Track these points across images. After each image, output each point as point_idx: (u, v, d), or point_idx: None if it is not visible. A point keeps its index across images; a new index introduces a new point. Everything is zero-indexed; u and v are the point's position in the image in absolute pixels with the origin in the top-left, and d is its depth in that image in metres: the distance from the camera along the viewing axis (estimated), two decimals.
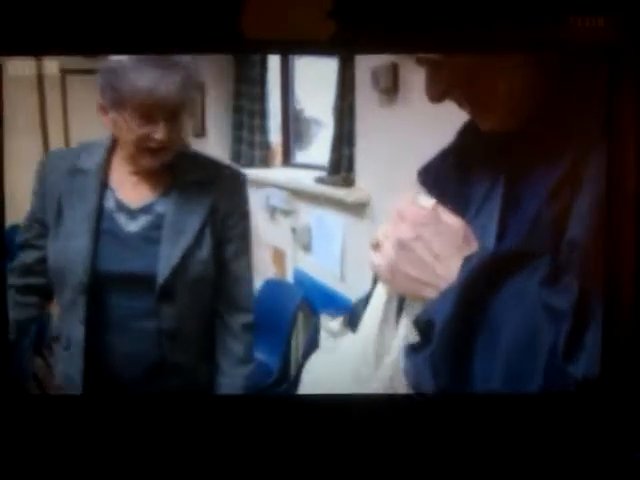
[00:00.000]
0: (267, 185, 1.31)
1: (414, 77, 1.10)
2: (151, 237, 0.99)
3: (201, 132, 1.43)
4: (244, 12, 0.90)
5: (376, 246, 0.82)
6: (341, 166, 1.24)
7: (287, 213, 1.28)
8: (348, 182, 1.21)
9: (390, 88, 1.10)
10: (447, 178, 0.83)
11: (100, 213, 0.99)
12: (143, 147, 0.97)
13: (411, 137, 1.10)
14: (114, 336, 1.00)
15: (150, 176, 1.01)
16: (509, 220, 0.76)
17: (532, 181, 0.75)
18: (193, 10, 0.92)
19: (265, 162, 1.41)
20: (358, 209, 1.18)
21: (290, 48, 1.01)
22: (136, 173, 1.01)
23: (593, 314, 0.75)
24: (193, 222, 1.00)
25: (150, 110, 0.94)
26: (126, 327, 0.99)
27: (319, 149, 1.32)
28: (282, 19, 0.91)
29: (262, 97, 1.38)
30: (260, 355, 1.10)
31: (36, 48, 0.96)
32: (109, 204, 1.00)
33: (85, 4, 0.91)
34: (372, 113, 1.15)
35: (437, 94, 0.76)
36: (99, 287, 0.98)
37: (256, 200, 1.31)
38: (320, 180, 1.25)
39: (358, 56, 1.12)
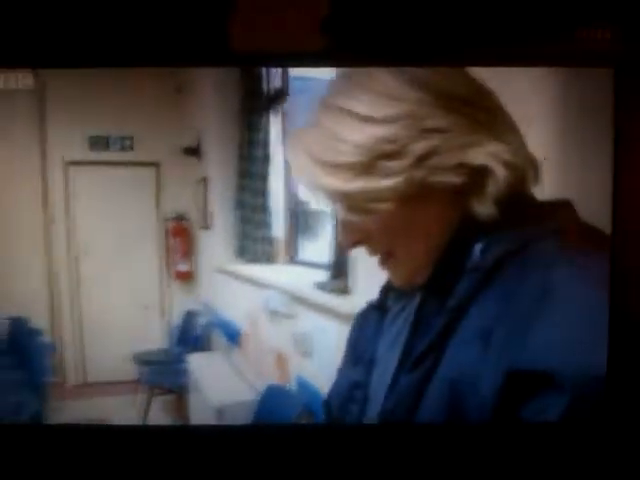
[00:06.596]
0: (268, 287, 1.29)
1: None
2: None
3: (205, 225, 1.43)
4: (232, 25, 0.88)
5: None
6: (342, 271, 1.20)
7: (287, 317, 1.25)
8: (345, 290, 1.17)
9: None
10: None
11: None
12: None
13: None
14: None
15: None
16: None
17: None
18: (181, 23, 0.89)
19: (269, 258, 1.39)
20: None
21: (279, 60, 0.97)
22: None
23: None
24: None
25: None
26: None
27: (326, 242, 1.29)
28: (271, 31, 0.88)
29: (264, 191, 1.37)
30: None
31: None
32: None
33: (69, 19, 0.89)
34: None
35: (350, 242, 0.69)
36: None
37: (258, 302, 1.30)
38: (320, 285, 1.21)
39: None
